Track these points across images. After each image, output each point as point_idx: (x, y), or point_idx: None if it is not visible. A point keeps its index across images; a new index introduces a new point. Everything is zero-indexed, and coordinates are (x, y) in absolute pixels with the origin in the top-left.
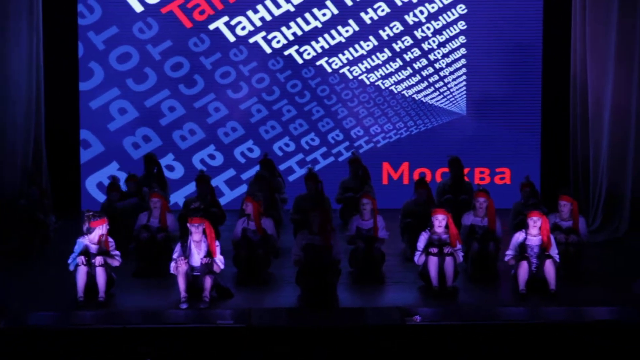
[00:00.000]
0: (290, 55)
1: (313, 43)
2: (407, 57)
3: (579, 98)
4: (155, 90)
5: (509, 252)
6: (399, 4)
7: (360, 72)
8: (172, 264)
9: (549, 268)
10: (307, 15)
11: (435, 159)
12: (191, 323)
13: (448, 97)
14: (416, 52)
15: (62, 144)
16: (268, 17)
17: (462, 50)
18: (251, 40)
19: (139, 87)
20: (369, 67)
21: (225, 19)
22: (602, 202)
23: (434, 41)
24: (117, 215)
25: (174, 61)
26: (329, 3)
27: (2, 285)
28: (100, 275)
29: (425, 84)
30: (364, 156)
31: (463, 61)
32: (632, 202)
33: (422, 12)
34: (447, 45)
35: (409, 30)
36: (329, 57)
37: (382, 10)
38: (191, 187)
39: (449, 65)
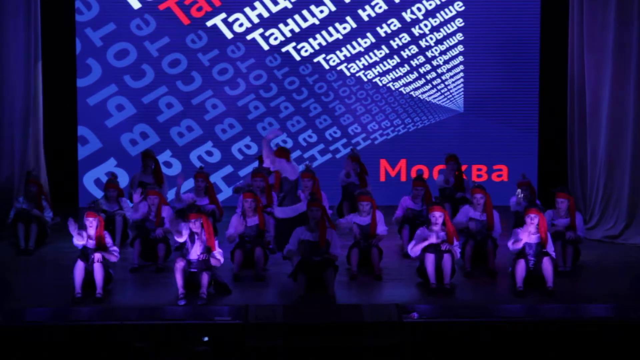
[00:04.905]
0: (287, 52)
1: (310, 40)
2: (405, 54)
3: (577, 96)
4: (153, 86)
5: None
6: (397, 1)
7: (357, 69)
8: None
9: (547, 265)
10: (305, 12)
11: (432, 156)
12: (189, 319)
13: (445, 94)
14: (414, 49)
15: (59, 141)
16: (265, 14)
17: (460, 48)
18: (249, 37)
19: (137, 84)
20: (366, 64)
21: (223, 15)
22: (599, 199)
23: (431, 38)
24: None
25: (172, 58)
26: (326, 0)
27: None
28: (98, 271)
29: (423, 81)
30: (362, 153)
31: (460, 58)
32: (629, 199)
33: (419, 9)
34: (444, 42)
35: (406, 27)
36: (327, 54)
37: (380, 7)
38: (189, 184)
39: (446, 62)
